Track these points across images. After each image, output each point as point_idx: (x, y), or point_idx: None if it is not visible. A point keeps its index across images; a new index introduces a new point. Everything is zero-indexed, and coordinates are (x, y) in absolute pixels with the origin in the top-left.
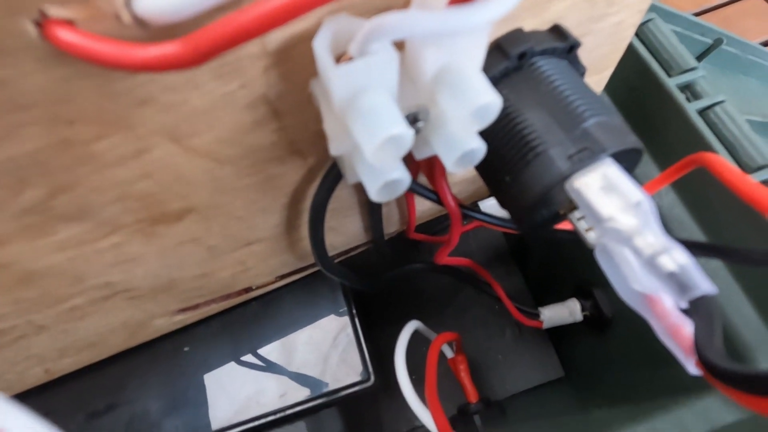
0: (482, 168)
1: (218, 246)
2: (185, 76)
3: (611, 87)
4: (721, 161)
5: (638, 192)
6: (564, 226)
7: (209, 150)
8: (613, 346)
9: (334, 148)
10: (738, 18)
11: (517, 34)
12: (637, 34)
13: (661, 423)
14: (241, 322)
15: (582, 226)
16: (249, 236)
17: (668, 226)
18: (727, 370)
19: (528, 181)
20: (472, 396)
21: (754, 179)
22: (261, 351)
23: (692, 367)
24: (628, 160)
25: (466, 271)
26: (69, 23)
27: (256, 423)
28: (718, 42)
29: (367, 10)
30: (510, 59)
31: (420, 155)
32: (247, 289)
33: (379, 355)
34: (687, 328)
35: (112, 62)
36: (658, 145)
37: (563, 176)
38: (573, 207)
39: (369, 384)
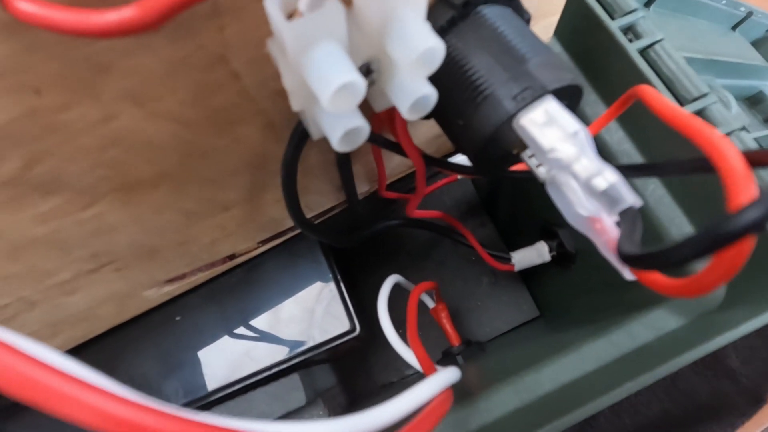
0: (438, 115)
1: (195, 211)
2: (142, 41)
3: (560, 32)
4: (653, 92)
5: (575, 123)
6: (520, 167)
7: (174, 113)
8: (579, 278)
9: (295, 104)
10: None
11: None
12: None
13: (616, 336)
14: (228, 289)
15: (533, 163)
16: (224, 199)
17: (618, 159)
18: (634, 255)
19: (478, 123)
20: (455, 340)
21: (678, 107)
22: (249, 315)
23: (628, 274)
24: (569, 96)
25: (441, 225)
26: None
27: (251, 381)
28: None
29: None
30: (455, 8)
31: (378, 107)
32: (231, 257)
33: (364, 310)
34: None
35: (71, 30)
36: (605, 84)
37: (509, 115)
38: (524, 146)
39: (355, 334)
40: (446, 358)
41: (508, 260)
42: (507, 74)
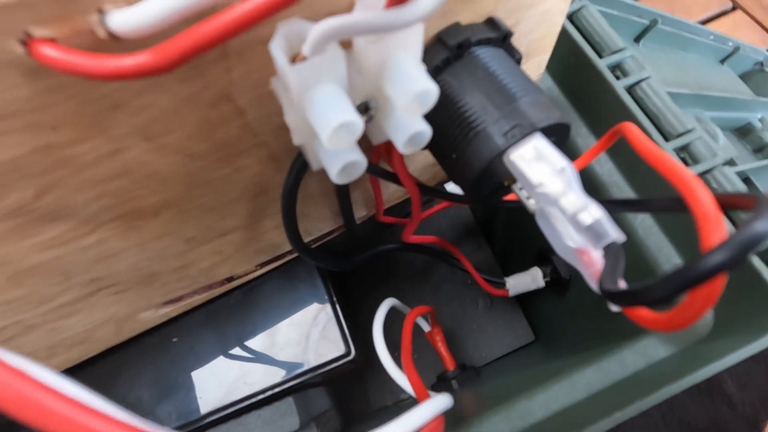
0: (434, 148)
1: (195, 237)
2: (154, 81)
3: (551, 68)
4: (635, 131)
5: (562, 159)
6: (512, 197)
7: (180, 146)
8: (573, 304)
9: (297, 138)
10: None
11: (455, 28)
12: (571, 21)
13: (608, 364)
14: (226, 311)
15: (523, 194)
16: (224, 226)
17: (608, 190)
18: (613, 292)
19: (471, 157)
20: (450, 364)
21: (657, 146)
22: (245, 337)
23: (613, 306)
24: (557, 134)
25: (437, 249)
26: (51, 41)
27: (244, 404)
28: (653, 23)
29: (315, 14)
30: (450, 50)
31: (376, 140)
32: (229, 279)
33: (360, 333)
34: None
35: (90, 73)
36: (594, 118)
37: (500, 150)
38: (514, 179)
39: (350, 358)
40: (441, 383)
41: (503, 285)
42: (498, 112)
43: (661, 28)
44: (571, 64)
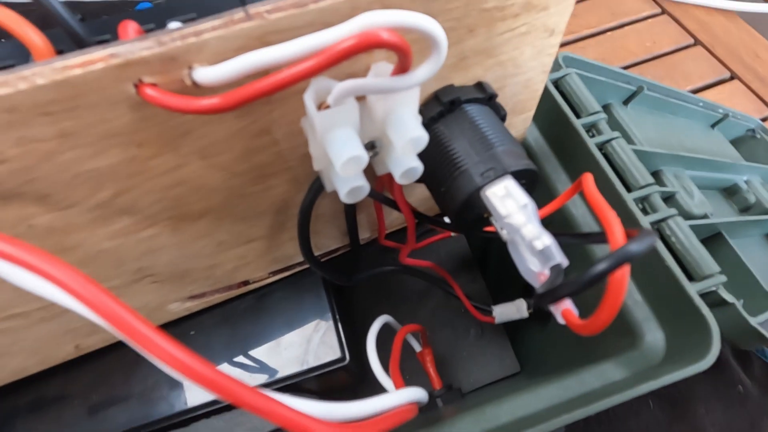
0: (428, 182)
1: (226, 241)
2: (217, 116)
3: (538, 123)
4: (588, 179)
5: (526, 198)
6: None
7: (227, 165)
8: (553, 336)
9: (317, 165)
10: (682, 63)
11: (449, 88)
12: (556, 85)
13: (568, 382)
14: (239, 313)
15: (498, 226)
16: (250, 234)
17: (581, 227)
18: (538, 294)
19: (455, 191)
20: (437, 384)
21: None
22: (254, 337)
23: (559, 318)
24: (527, 177)
25: (432, 274)
26: (154, 85)
27: None
28: (640, 89)
29: (339, 75)
30: (443, 105)
31: (380, 172)
32: (245, 282)
33: (356, 346)
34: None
35: (176, 108)
36: (572, 167)
37: (478, 187)
38: (491, 212)
39: (345, 363)
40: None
41: (490, 312)
42: (478, 157)
43: (647, 94)
44: (554, 120)
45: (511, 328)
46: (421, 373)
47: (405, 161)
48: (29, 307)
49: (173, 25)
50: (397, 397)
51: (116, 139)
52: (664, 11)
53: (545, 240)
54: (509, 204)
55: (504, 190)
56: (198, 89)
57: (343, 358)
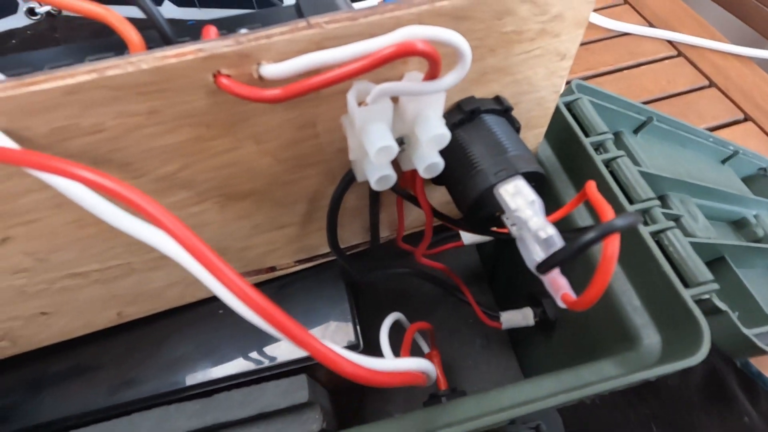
0: (447, 182)
1: (261, 225)
2: (273, 106)
3: (550, 141)
4: (591, 185)
5: (533, 195)
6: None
7: (273, 152)
8: (557, 343)
9: (352, 155)
10: (696, 103)
11: (470, 99)
12: (568, 108)
13: (565, 376)
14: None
15: (508, 223)
16: (283, 221)
17: None
18: (539, 263)
19: (471, 188)
20: (443, 384)
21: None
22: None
23: (560, 302)
24: (535, 180)
25: (444, 279)
26: (228, 76)
27: (267, 374)
28: (649, 119)
29: (377, 79)
30: (465, 113)
31: (405, 167)
32: (272, 268)
33: (369, 339)
34: (560, 280)
35: (245, 96)
36: (579, 181)
37: (491, 184)
38: (502, 210)
39: (359, 349)
40: (432, 400)
41: (497, 318)
42: (493, 159)
43: (657, 125)
44: (564, 139)
45: (516, 340)
46: None
47: (429, 156)
48: (88, 268)
49: (242, 31)
50: (411, 362)
51: (190, 119)
52: (680, 54)
53: (549, 230)
54: (518, 200)
55: (514, 188)
56: (262, 82)
57: (357, 345)
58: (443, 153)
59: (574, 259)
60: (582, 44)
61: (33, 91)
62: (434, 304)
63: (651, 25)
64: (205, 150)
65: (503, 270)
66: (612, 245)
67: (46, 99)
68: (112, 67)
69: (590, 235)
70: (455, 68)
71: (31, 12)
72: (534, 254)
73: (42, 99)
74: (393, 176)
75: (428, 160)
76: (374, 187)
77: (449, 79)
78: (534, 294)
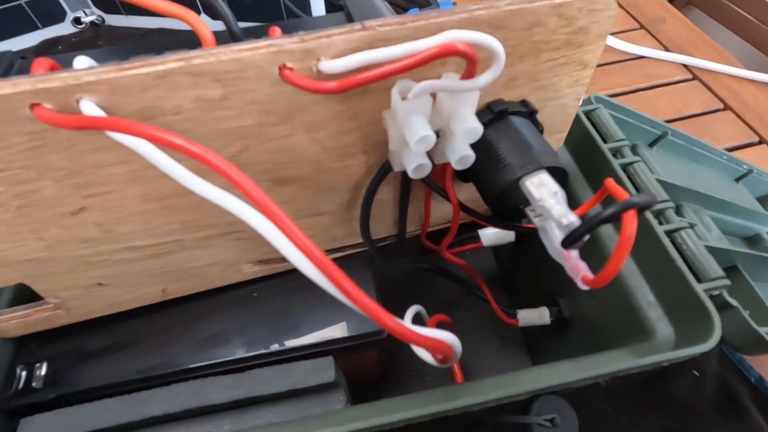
0: (476, 175)
1: (301, 210)
2: (325, 99)
3: (569, 146)
4: (610, 181)
5: (556, 186)
6: (529, 226)
7: (321, 141)
8: (572, 343)
9: (392, 145)
10: (711, 124)
11: (499, 101)
12: (587, 116)
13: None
14: (294, 283)
15: (532, 214)
16: (321, 208)
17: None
18: (564, 240)
19: (498, 180)
20: (459, 378)
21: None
22: (308, 305)
23: (580, 283)
24: (558, 175)
25: (463, 277)
26: (291, 69)
27: (295, 354)
28: (664, 134)
29: (418, 77)
30: (494, 114)
31: (438, 161)
32: None
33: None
34: (580, 264)
35: (305, 86)
36: (596, 184)
37: (517, 177)
38: (527, 202)
39: (383, 336)
40: None
41: (514, 316)
42: (519, 154)
43: (671, 139)
44: (584, 144)
45: (531, 342)
46: (445, 374)
47: (462, 149)
48: (145, 242)
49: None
50: (442, 333)
51: (255, 106)
52: (695, 77)
53: (570, 217)
54: (543, 190)
55: (539, 180)
56: (319, 75)
57: (381, 332)
58: (473, 149)
59: (596, 228)
60: (599, 65)
61: (129, 75)
62: (451, 303)
63: (666, 49)
64: (263, 135)
65: (519, 274)
66: (630, 222)
67: (139, 82)
68: (197, 56)
69: (611, 209)
70: (490, 69)
71: (77, 21)
72: (556, 242)
73: (136, 82)
74: (428, 164)
75: (461, 153)
76: (411, 174)
77: (484, 78)
78: (550, 294)
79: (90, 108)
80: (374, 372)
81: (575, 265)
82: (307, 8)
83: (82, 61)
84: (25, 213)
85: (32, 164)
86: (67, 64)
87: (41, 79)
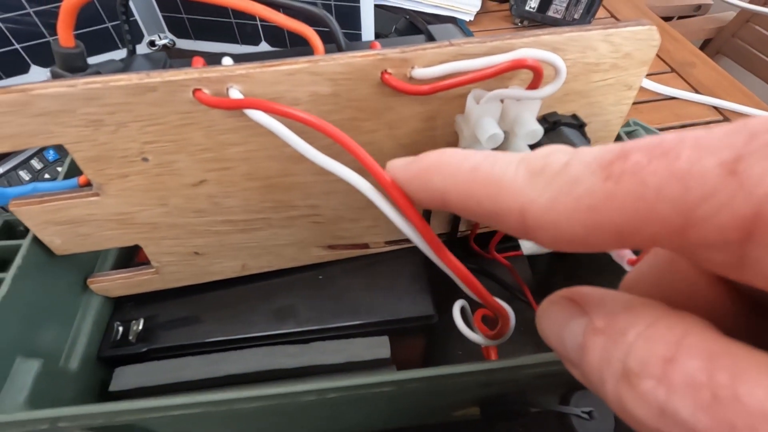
0: None
1: None
2: (410, 99)
3: None
4: None
5: None
6: None
7: (399, 138)
8: None
9: (464, 144)
10: None
11: (553, 114)
12: (628, 137)
13: None
14: (355, 269)
15: None
16: None
17: None
18: None
19: None
20: None
21: None
22: (368, 288)
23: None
24: None
25: (506, 280)
26: (390, 74)
27: (353, 331)
28: None
29: (489, 87)
30: (548, 124)
31: None
32: (366, 245)
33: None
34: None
35: (401, 88)
36: None
37: None
38: None
39: (434, 320)
40: None
41: None
42: None
43: None
44: None
45: None
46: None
47: (522, 149)
48: (239, 217)
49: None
50: (502, 302)
51: (354, 102)
52: (726, 119)
53: None
54: None
55: None
56: (411, 80)
57: (433, 316)
58: None
59: None
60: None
61: (269, 71)
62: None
63: (696, 92)
64: (354, 128)
65: (556, 283)
66: None
67: (274, 76)
68: (320, 60)
69: None
70: (552, 82)
71: (151, 43)
72: None
73: (272, 76)
74: None
75: (521, 152)
76: None
77: (547, 89)
78: None
79: (236, 94)
80: (417, 364)
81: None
82: (358, 36)
83: (227, 60)
84: (160, 181)
85: (178, 139)
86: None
87: (205, 70)
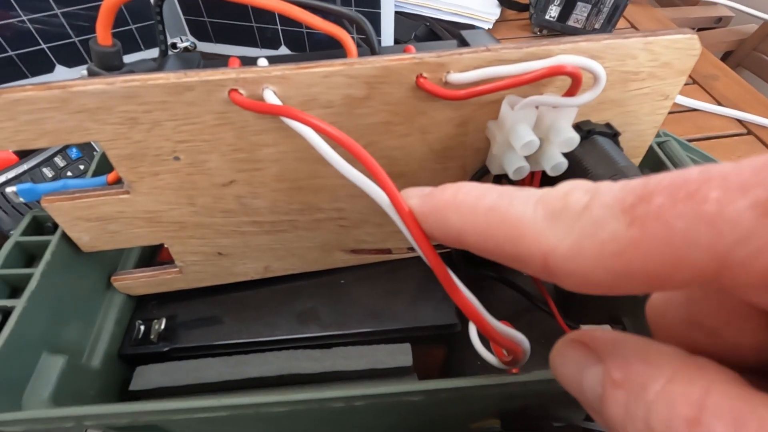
0: None
1: None
2: (443, 104)
3: (643, 170)
4: None
5: None
6: None
7: (430, 142)
8: None
9: (497, 150)
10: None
11: (587, 122)
12: (660, 147)
13: None
14: (378, 275)
15: None
16: None
17: None
18: None
19: None
20: None
21: None
22: (389, 295)
23: None
24: None
25: (526, 289)
26: (426, 78)
27: (374, 337)
28: None
29: (524, 93)
30: (582, 132)
31: (533, 168)
32: (388, 250)
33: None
34: None
35: (436, 92)
36: None
37: None
38: None
39: (457, 329)
40: None
41: (577, 328)
42: (605, 168)
43: None
44: (656, 170)
45: None
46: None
47: (556, 156)
48: (265, 219)
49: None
50: (516, 334)
51: (387, 106)
52: (749, 132)
53: None
54: None
55: None
56: (446, 85)
57: (456, 324)
58: None
59: None
60: None
61: (304, 72)
62: (509, 319)
63: (719, 104)
64: (387, 132)
65: (580, 296)
66: None
67: (310, 78)
68: (356, 63)
69: None
70: (591, 90)
71: (173, 46)
72: None
73: (307, 78)
74: (527, 167)
75: (556, 160)
76: (512, 176)
77: (585, 97)
78: (613, 313)
79: (271, 96)
80: (436, 373)
81: None
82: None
83: (263, 61)
84: (191, 180)
85: (211, 139)
86: None
87: (242, 70)
